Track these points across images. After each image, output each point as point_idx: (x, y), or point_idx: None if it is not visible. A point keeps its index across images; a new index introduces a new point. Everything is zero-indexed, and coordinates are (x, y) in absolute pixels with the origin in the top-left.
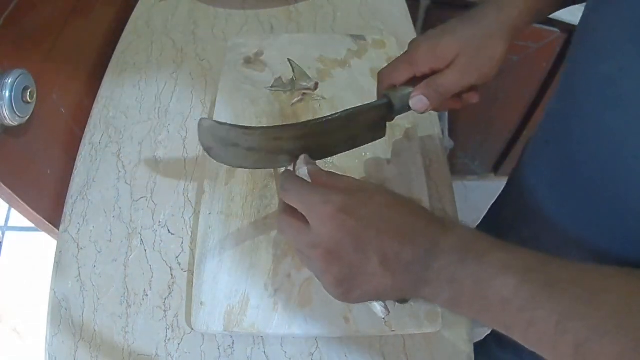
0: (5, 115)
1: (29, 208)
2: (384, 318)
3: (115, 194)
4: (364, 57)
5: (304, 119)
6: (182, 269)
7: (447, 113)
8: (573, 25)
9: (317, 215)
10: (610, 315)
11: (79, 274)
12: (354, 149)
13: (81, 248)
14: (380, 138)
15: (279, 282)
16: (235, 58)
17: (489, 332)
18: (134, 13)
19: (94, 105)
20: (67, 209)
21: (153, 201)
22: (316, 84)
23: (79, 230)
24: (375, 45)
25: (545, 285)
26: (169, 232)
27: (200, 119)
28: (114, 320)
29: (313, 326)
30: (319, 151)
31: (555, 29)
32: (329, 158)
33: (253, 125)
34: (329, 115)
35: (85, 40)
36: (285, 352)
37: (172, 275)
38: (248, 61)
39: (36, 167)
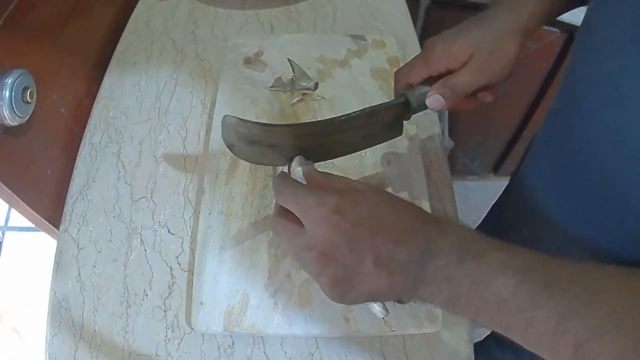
0: (5, 115)
1: (29, 208)
2: (383, 318)
3: (115, 194)
4: (364, 57)
5: (304, 119)
6: (182, 269)
7: (447, 113)
8: (573, 25)
9: (311, 217)
10: (610, 315)
11: (79, 274)
12: None
13: (81, 248)
14: (397, 136)
15: (279, 282)
16: (235, 58)
17: (488, 332)
18: (134, 13)
19: (94, 105)
20: (67, 209)
21: (153, 201)
22: (316, 84)
23: (79, 230)
24: (375, 45)
25: (544, 285)
26: (169, 232)
27: (224, 116)
28: (114, 320)
29: (313, 326)
30: (338, 149)
31: (555, 29)
32: (327, 161)
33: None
34: (349, 113)
35: (85, 40)
36: (285, 352)
37: (172, 275)
38: (248, 61)
39: (36, 167)
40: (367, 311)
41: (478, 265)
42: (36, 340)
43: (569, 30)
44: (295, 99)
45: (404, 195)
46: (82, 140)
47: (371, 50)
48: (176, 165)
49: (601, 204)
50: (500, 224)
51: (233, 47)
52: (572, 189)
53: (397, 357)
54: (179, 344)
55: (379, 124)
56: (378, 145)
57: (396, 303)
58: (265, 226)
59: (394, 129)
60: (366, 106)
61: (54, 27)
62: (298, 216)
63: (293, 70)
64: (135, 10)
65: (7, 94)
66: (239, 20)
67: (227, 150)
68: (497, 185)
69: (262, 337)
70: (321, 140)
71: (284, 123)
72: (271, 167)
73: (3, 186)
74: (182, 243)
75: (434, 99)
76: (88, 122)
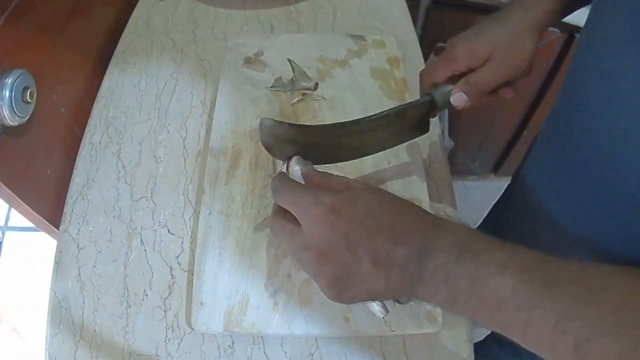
0: (5, 115)
1: (29, 208)
2: (383, 318)
3: (115, 194)
4: (364, 57)
5: (304, 119)
6: (182, 269)
7: (447, 113)
8: (573, 25)
9: (308, 216)
10: (609, 314)
11: (79, 274)
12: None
13: (81, 248)
14: (424, 134)
15: (279, 282)
16: (235, 58)
17: (488, 332)
18: (134, 13)
19: (94, 105)
20: (67, 209)
21: (153, 201)
22: (316, 84)
23: (79, 230)
24: (375, 45)
25: (543, 284)
26: (169, 232)
27: (262, 119)
28: (114, 320)
29: (313, 326)
30: (369, 147)
31: (555, 29)
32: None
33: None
34: (379, 113)
35: (85, 40)
36: (285, 352)
37: (172, 275)
38: (248, 61)
39: (36, 167)
40: (367, 311)
41: (476, 264)
42: (36, 340)
43: (569, 30)
44: (295, 99)
45: (404, 195)
46: (82, 140)
47: (371, 50)
48: (176, 165)
49: (602, 202)
50: (500, 223)
51: (233, 47)
52: (574, 187)
53: (397, 357)
54: (179, 344)
55: (407, 122)
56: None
57: (396, 303)
58: (265, 226)
59: (421, 127)
60: (368, 106)
61: (54, 27)
62: (295, 216)
63: (293, 70)
64: (135, 10)
65: (7, 94)
66: (239, 20)
67: (227, 150)
68: (497, 185)
69: (262, 337)
70: (353, 139)
71: (332, 122)
72: (271, 167)
73: (3, 186)
74: (182, 243)
75: (458, 96)
76: (88, 122)
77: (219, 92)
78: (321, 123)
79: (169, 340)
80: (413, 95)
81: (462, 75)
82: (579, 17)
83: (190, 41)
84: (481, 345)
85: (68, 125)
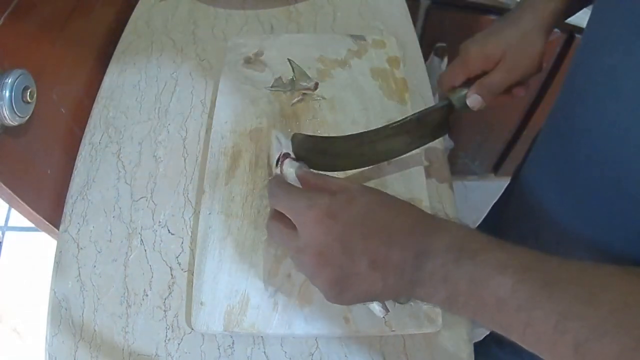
0: (5, 115)
1: (29, 208)
2: (383, 317)
3: (115, 194)
4: (364, 57)
5: (304, 119)
6: (182, 269)
7: None
8: (573, 26)
9: (303, 220)
10: (609, 314)
11: (79, 274)
12: None
13: (81, 248)
14: (444, 135)
15: (279, 282)
16: (235, 58)
17: (488, 332)
18: (134, 13)
19: (94, 105)
20: (67, 209)
21: (153, 201)
22: (316, 84)
23: (79, 230)
24: (375, 45)
25: (543, 284)
26: (169, 232)
27: (294, 134)
28: (114, 320)
29: (313, 326)
30: (392, 152)
31: (556, 29)
32: None
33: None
34: (401, 120)
35: (85, 40)
36: (285, 352)
37: (172, 275)
38: (248, 61)
39: (36, 167)
40: (367, 311)
41: (475, 264)
42: (36, 340)
43: (569, 30)
44: (295, 99)
45: (404, 195)
46: (82, 140)
47: (371, 50)
48: (176, 165)
49: (602, 201)
50: (500, 222)
51: (233, 47)
52: (574, 186)
53: (397, 357)
54: (179, 344)
55: (428, 126)
56: None
57: (396, 303)
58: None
59: (441, 129)
60: (368, 106)
61: (54, 27)
62: (291, 219)
63: (293, 70)
64: (135, 10)
65: (7, 94)
66: (239, 20)
67: (227, 150)
68: (497, 185)
69: (262, 337)
70: (378, 145)
71: (357, 132)
72: (271, 168)
73: (3, 186)
74: (182, 243)
75: (474, 98)
76: (88, 122)
77: (219, 92)
78: (321, 123)
79: (169, 340)
80: (413, 95)
81: (478, 77)
82: (579, 17)
83: (190, 41)
84: (480, 345)
85: (68, 125)
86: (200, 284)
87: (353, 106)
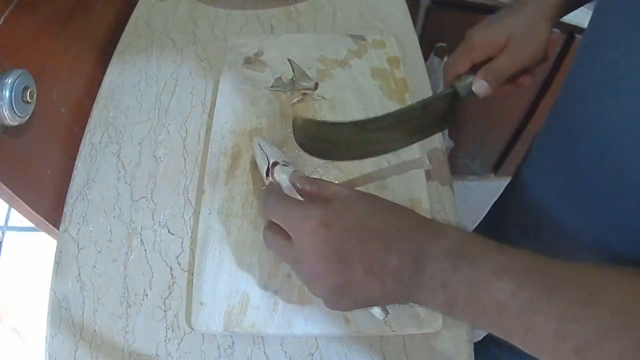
0: (5, 115)
1: (29, 208)
2: (383, 320)
3: (115, 194)
4: (364, 57)
5: None
6: (182, 269)
7: None
8: (573, 26)
9: (298, 231)
10: (610, 316)
11: (79, 274)
12: None
13: (81, 248)
14: (449, 127)
15: (279, 282)
16: (235, 58)
17: (487, 332)
18: (134, 13)
19: (94, 105)
20: (67, 209)
21: (153, 201)
22: (316, 84)
23: (79, 230)
24: (375, 45)
25: (543, 288)
26: (169, 232)
27: (295, 118)
28: (114, 320)
29: (313, 326)
30: (396, 142)
31: (556, 29)
32: (328, 161)
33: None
34: (406, 107)
35: (85, 40)
36: (285, 352)
37: (172, 275)
38: (248, 61)
39: (36, 167)
40: (367, 311)
41: (474, 269)
42: (36, 340)
43: (569, 30)
44: (295, 99)
45: (404, 195)
46: (82, 140)
47: (371, 50)
48: (176, 165)
49: (602, 198)
50: (501, 220)
51: (233, 47)
52: (574, 183)
53: (397, 357)
54: (179, 344)
55: (432, 115)
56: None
57: (396, 304)
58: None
59: (446, 119)
60: (368, 106)
61: (54, 27)
62: (286, 230)
63: (293, 70)
64: (135, 10)
65: (7, 94)
66: (239, 20)
67: (227, 150)
68: (497, 185)
69: (262, 337)
70: (382, 133)
71: (362, 119)
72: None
73: (3, 186)
74: (182, 243)
75: (480, 84)
76: (88, 122)
77: (219, 92)
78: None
79: (169, 340)
80: (413, 95)
81: (483, 65)
82: (579, 17)
83: (190, 41)
84: (480, 345)
85: (68, 125)
86: (200, 284)
87: (353, 106)
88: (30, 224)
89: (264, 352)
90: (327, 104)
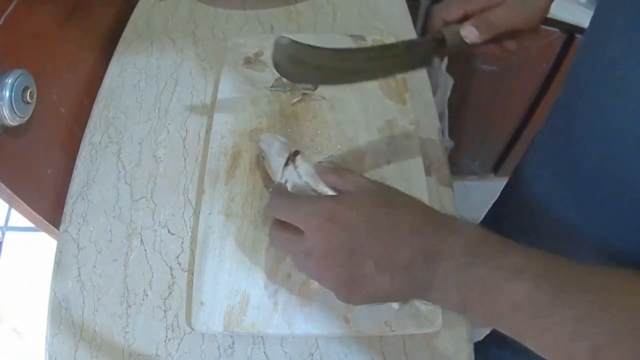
0: (5, 115)
1: (29, 208)
2: (397, 309)
3: (115, 194)
4: None
5: (303, 119)
6: (182, 269)
7: (447, 113)
8: (573, 25)
9: (309, 225)
10: (626, 319)
11: (79, 274)
12: (354, 149)
13: (81, 248)
14: (427, 67)
15: (279, 282)
16: (235, 58)
17: (488, 332)
18: (134, 13)
19: (94, 105)
20: (67, 209)
21: (153, 201)
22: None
23: (79, 230)
24: None
25: (559, 290)
26: (169, 232)
27: (279, 37)
28: (114, 320)
29: (313, 326)
30: (376, 73)
31: (555, 29)
32: (328, 156)
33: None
34: (390, 44)
35: (85, 40)
36: (285, 352)
37: (172, 275)
38: (248, 61)
39: (36, 167)
40: (367, 311)
41: (490, 270)
42: (36, 340)
43: (569, 30)
44: (295, 99)
45: None
46: (82, 140)
47: None
48: (176, 165)
49: (603, 196)
50: (501, 218)
51: (233, 47)
52: (574, 181)
53: (397, 357)
54: (179, 344)
55: (414, 55)
56: (378, 145)
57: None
58: (265, 226)
59: (425, 62)
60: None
61: (54, 27)
62: (297, 225)
63: None
64: (135, 10)
65: (7, 94)
66: (239, 20)
67: (227, 150)
68: (497, 185)
69: (262, 337)
70: (362, 65)
71: (346, 47)
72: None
73: (3, 186)
74: (182, 243)
75: (469, 30)
76: (88, 122)
77: (219, 92)
78: (321, 123)
79: (169, 340)
80: (413, 95)
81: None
82: (579, 17)
83: (190, 41)
84: (480, 345)
85: (68, 125)
86: (200, 284)
87: (353, 106)
88: (30, 224)
89: (264, 352)
90: (327, 104)
